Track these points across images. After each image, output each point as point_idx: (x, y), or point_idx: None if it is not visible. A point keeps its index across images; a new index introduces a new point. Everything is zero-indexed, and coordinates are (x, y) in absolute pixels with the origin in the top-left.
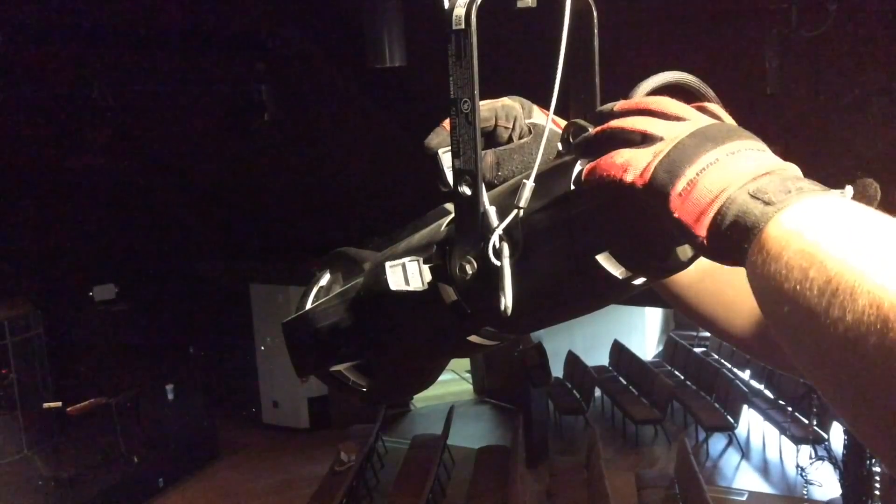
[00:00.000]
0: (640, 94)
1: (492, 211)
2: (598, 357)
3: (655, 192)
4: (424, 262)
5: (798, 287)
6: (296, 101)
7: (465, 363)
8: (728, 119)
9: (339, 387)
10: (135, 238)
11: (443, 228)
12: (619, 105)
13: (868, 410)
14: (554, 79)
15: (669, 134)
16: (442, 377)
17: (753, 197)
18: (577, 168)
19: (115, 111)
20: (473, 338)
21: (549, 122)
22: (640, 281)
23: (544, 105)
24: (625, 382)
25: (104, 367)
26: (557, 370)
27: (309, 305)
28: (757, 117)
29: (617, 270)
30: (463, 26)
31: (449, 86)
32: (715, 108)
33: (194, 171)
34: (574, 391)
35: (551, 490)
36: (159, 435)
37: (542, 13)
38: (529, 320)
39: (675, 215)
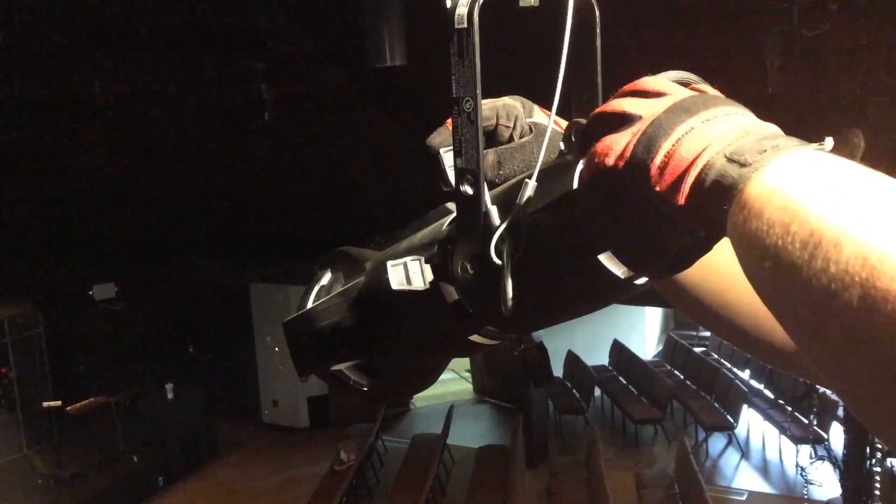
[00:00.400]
0: None
1: (493, 210)
2: (597, 357)
3: (636, 169)
4: (426, 262)
5: (780, 242)
6: (296, 101)
7: (464, 362)
8: (713, 91)
9: (339, 386)
10: (134, 237)
11: (444, 227)
12: (611, 98)
13: (851, 364)
14: (556, 78)
15: (648, 112)
16: (442, 376)
17: (730, 159)
18: (579, 168)
19: (114, 110)
20: (475, 337)
21: (551, 121)
22: (642, 280)
23: (546, 105)
24: (625, 382)
25: (104, 366)
26: (557, 370)
27: (310, 305)
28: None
29: (619, 270)
30: (465, 25)
31: (451, 85)
32: (702, 85)
33: (194, 170)
34: (574, 391)
35: (551, 489)
36: (159, 434)
37: (544, 12)
38: (531, 320)
39: (657, 188)
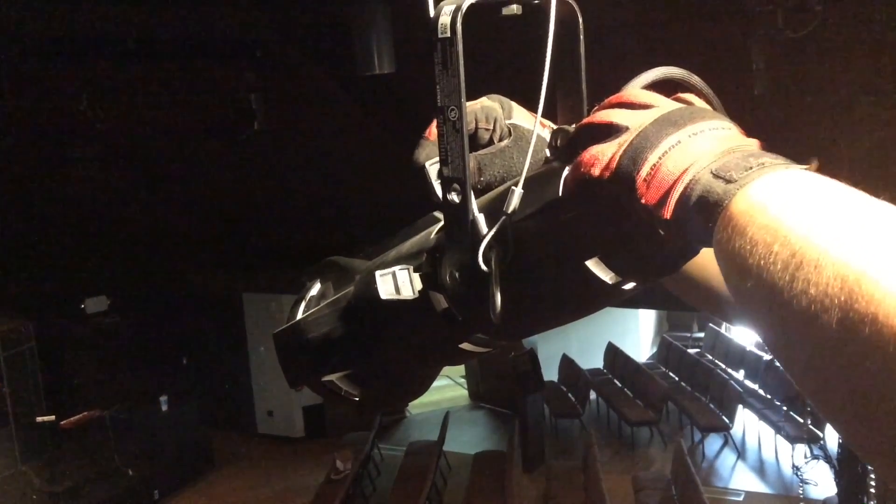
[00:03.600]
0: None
1: (481, 218)
2: (592, 360)
3: (621, 181)
4: (415, 271)
5: (762, 262)
6: (286, 110)
7: (459, 369)
8: (700, 103)
9: (331, 397)
10: (126, 250)
11: (433, 236)
12: (596, 108)
13: (832, 385)
14: (540, 85)
15: (635, 123)
16: (436, 383)
17: (716, 176)
18: (565, 174)
19: (103, 123)
20: (465, 345)
21: (535, 128)
22: (630, 285)
23: (531, 111)
24: (619, 385)
25: (97, 379)
26: (552, 374)
27: (300, 315)
28: (744, 118)
29: (607, 276)
30: (448, 34)
31: (435, 94)
32: (688, 96)
33: (185, 181)
34: (569, 394)
35: (548, 494)
36: (154, 447)
37: (527, 20)
38: (521, 327)
39: (642, 201)
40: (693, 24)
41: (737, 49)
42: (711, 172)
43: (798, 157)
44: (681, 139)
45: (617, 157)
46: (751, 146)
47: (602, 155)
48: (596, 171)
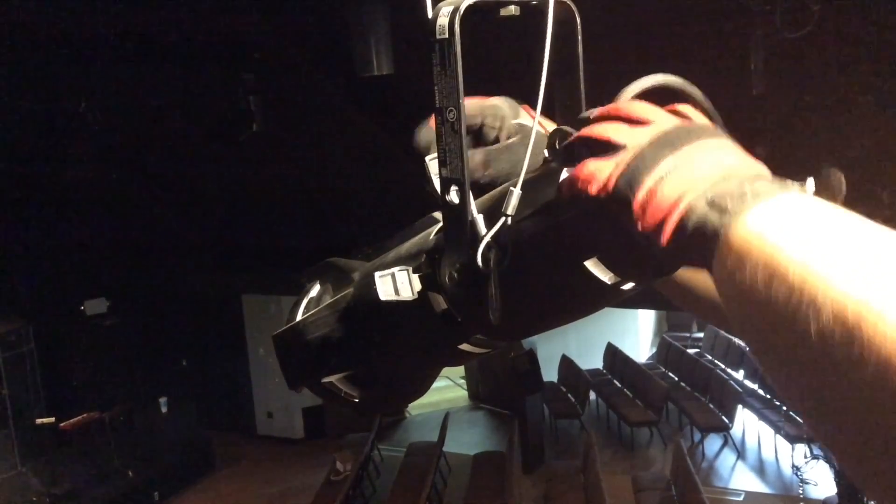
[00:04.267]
0: (624, 100)
1: (480, 219)
2: (592, 360)
3: (618, 202)
4: (414, 272)
5: (762, 298)
6: (284, 111)
7: (459, 369)
8: (698, 118)
9: (331, 398)
10: (125, 251)
11: (431, 237)
12: (595, 113)
13: (838, 415)
14: (539, 86)
15: (632, 141)
16: (436, 384)
17: (711, 205)
18: (563, 176)
19: (102, 124)
20: (465, 346)
21: (534, 129)
22: (629, 286)
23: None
24: (619, 385)
25: (97, 381)
26: (552, 374)
27: (299, 317)
28: (742, 118)
29: (606, 276)
30: (446, 35)
31: (434, 95)
32: (685, 107)
33: (184, 182)
34: (569, 395)
35: (548, 495)
36: (154, 448)
37: (525, 21)
38: (520, 327)
39: (639, 226)
40: (692, 25)
41: (735, 49)
42: (706, 201)
43: (795, 157)
44: (677, 163)
45: (614, 179)
46: (747, 168)
47: (599, 173)
48: (593, 190)
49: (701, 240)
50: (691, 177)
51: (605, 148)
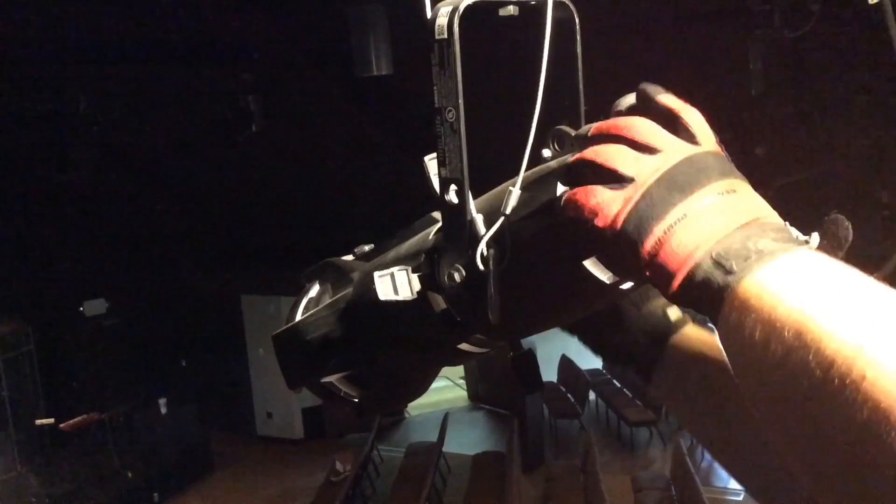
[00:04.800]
0: (624, 113)
1: (479, 219)
2: (591, 360)
3: (625, 244)
4: (413, 272)
5: (760, 360)
6: (284, 111)
7: (458, 369)
8: (703, 134)
9: (330, 398)
10: (124, 252)
11: (431, 237)
12: (594, 129)
13: (829, 474)
14: (537, 86)
15: (640, 174)
16: (436, 384)
17: (716, 263)
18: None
19: (101, 126)
20: (464, 346)
21: (532, 128)
22: (628, 285)
23: (529, 112)
24: (619, 385)
25: (96, 382)
26: (551, 374)
27: (298, 317)
28: (742, 118)
29: (605, 275)
30: (445, 36)
31: (433, 95)
32: (690, 118)
33: (183, 183)
34: (569, 395)
35: (548, 495)
36: (153, 449)
37: (524, 21)
38: (519, 327)
39: (646, 272)
40: (691, 25)
41: (734, 49)
42: (712, 258)
43: (794, 157)
44: (687, 212)
45: (622, 219)
46: (754, 222)
47: (606, 208)
48: (599, 224)
49: (706, 295)
50: (700, 231)
51: (611, 176)
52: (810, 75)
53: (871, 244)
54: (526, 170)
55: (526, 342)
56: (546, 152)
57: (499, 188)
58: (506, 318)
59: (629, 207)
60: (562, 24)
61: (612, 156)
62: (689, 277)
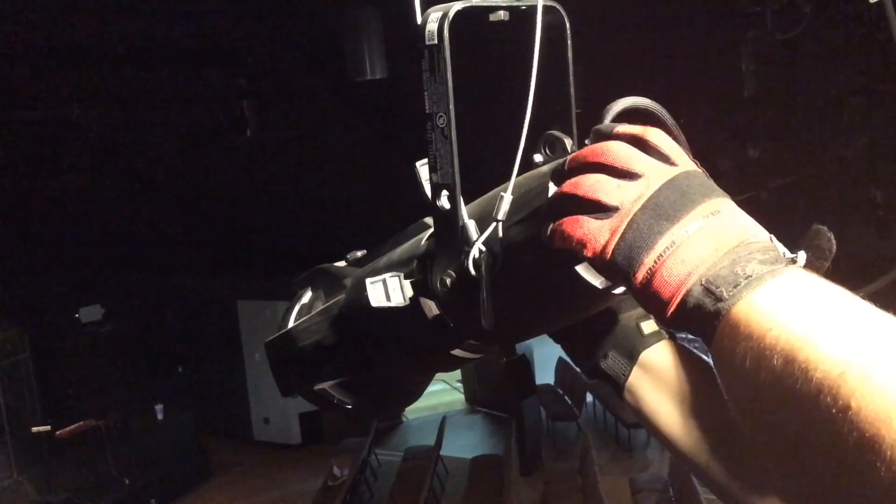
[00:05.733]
0: (608, 120)
1: (471, 224)
2: None
3: (616, 275)
4: (405, 277)
5: (751, 387)
6: (278, 116)
7: (455, 373)
8: (675, 153)
9: (324, 405)
10: (120, 258)
11: (423, 243)
12: (571, 160)
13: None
14: (528, 91)
15: (623, 202)
16: (433, 388)
17: (707, 290)
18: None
19: (95, 132)
20: (457, 351)
21: (523, 134)
22: (620, 290)
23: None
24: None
25: (93, 389)
26: (548, 377)
27: (291, 324)
28: (734, 120)
29: (596, 280)
30: (436, 41)
31: (424, 101)
32: (658, 140)
33: (178, 189)
34: (566, 397)
35: (546, 497)
36: (150, 456)
37: (515, 26)
38: (512, 332)
39: (640, 300)
40: (682, 27)
41: (726, 50)
42: (702, 286)
43: (788, 158)
44: (675, 240)
45: (610, 250)
46: (741, 247)
47: (594, 239)
48: (588, 254)
49: (699, 322)
50: (689, 259)
51: (595, 206)
52: (803, 76)
53: (866, 245)
54: (517, 175)
55: (521, 345)
56: (537, 157)
57: (490, 193)
58: (499, 323)
59: (617, 238)
60: (552, 29)
61: (593, 187)
62: (682, 305)
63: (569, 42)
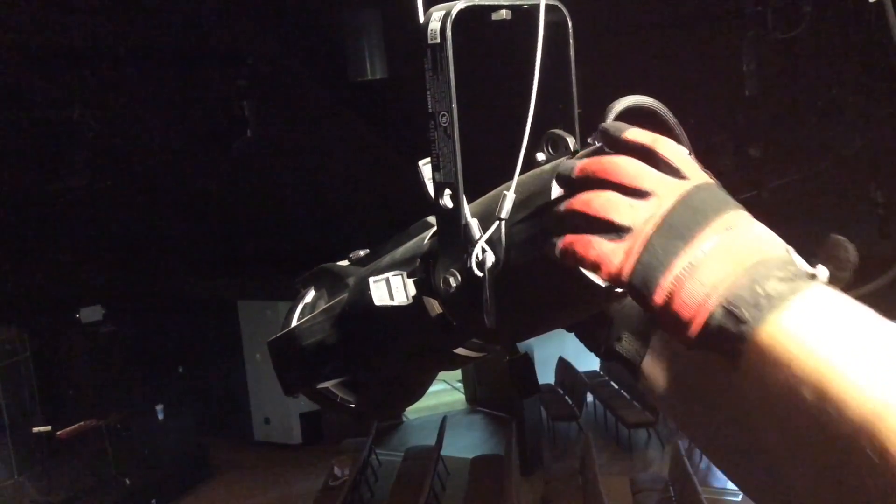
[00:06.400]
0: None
1: (474, 223)
2: (589, 362)
3: (635, 297)
4: (408, 276)
5: (781, 414)
6: (278, 117)
7: (456, 373)
8: (685, 165)
9: (327, 404)
10: (120, 258)
11: (426, 242)
12: (578, 170)
13: None
14: (531, 89)
15: (636, 222)
16: (433, 387)
17: (728, 312)
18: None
19: (96, 132)
20: (460, 350)
21: (526, 133)
22: (623, 289)
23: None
24: (616, 387)
25: (93, 389)
26: (549, 377)
27: (294, 323)
28: (736, 119)
29: (600, 280)
30: (438, 40)
31: (426, 100)
32: (668, 151)
33: (178, 189)
34: (566, 397)
35: (546, 497)
36: (151, 456)
37: (517, 24)
38: (515, 331)
39: (660, 323)
40: (684, 27)
41: (728, 50)
42: (723, 307)
43: (788, 158)
44: (691, 260)
45: (626, 272)
46: (757, 252)
47: (608, 261)
48: (603, 277)
49: (722, 344)
50: (707, 280)
51: (607, 226)
52: (803, 76)
53: (866, 244)
54: (520, 173)
55: (523, 345)
56: (540, 156)
57: (493, 192)
58: (501, 321)
59: (632, 260)
60: (555, 28)
61: (604, 206)
62: (704, 328)
63: (571, 40)
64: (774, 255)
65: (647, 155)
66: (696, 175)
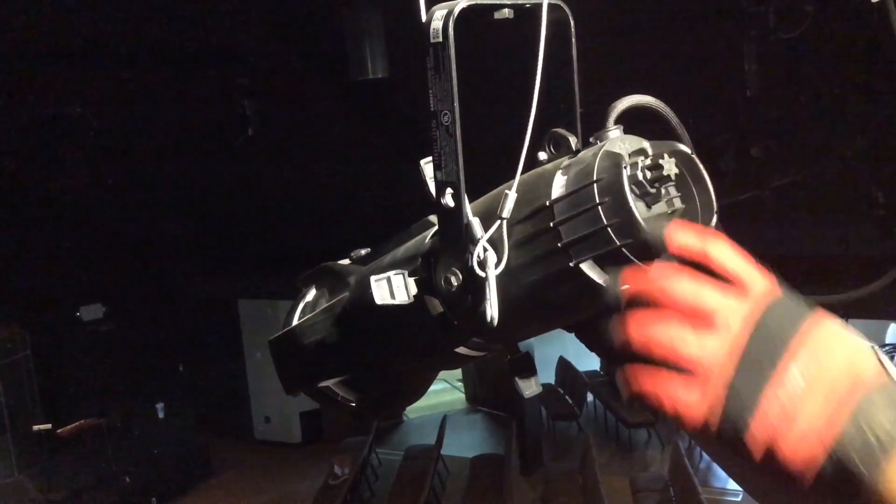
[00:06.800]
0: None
1: (475, 222)
2: (589, 362)
3: (727, 445)
4: (410, 275)
5: None
6: (279, 115)
7: (456, 372)
8: (744, 272)
9: (328, 403)
10: (121, 257)
11: (427, 240)
12: (630, 294)
13: None
14: (533, 88)
15: (710, 360)
16: (433, 387)
17: (840, 469)
18: (559, 183)
19: (96, 130)
20: (461, 349)
21: (528, 130)
22: (625, 287)
23: (525, 114)
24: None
25: (94, 387)
26: (549, 376)
27: (295, 322)
28: (738, 119)
29: (601, 278)
30: (440, 39)
31: (429, 99)
32: (720, 256)
33: (179, 187)
34: (566, 397)
35: (546, 497)
36: (151, 454)
37: (520, 23)
38: (516, 330)
39: (760, 468)
40: (686, 26)
41: (730, 50)
42: (833, 461)
43: (791, 158)
44: (783, 399)
45: (716, 425)
46: (849, 377)
47: (688, 410)
48: (688, 427)
49: (838, 495)
50: (810, 426)
51: (675, 362)
52: (805, 76)
53: (868, 244)
54: (522, 173)
55: (523, 344)
56: (542, 155)
57: (495, 191)
58: (503, 320)
59: (718, 408)
60: (557, 27)
61: (671, 343)
62: (817, 482)
63: (573, 39)
64: (864, 368)
65: (699, 262)
66: (753, 277)
